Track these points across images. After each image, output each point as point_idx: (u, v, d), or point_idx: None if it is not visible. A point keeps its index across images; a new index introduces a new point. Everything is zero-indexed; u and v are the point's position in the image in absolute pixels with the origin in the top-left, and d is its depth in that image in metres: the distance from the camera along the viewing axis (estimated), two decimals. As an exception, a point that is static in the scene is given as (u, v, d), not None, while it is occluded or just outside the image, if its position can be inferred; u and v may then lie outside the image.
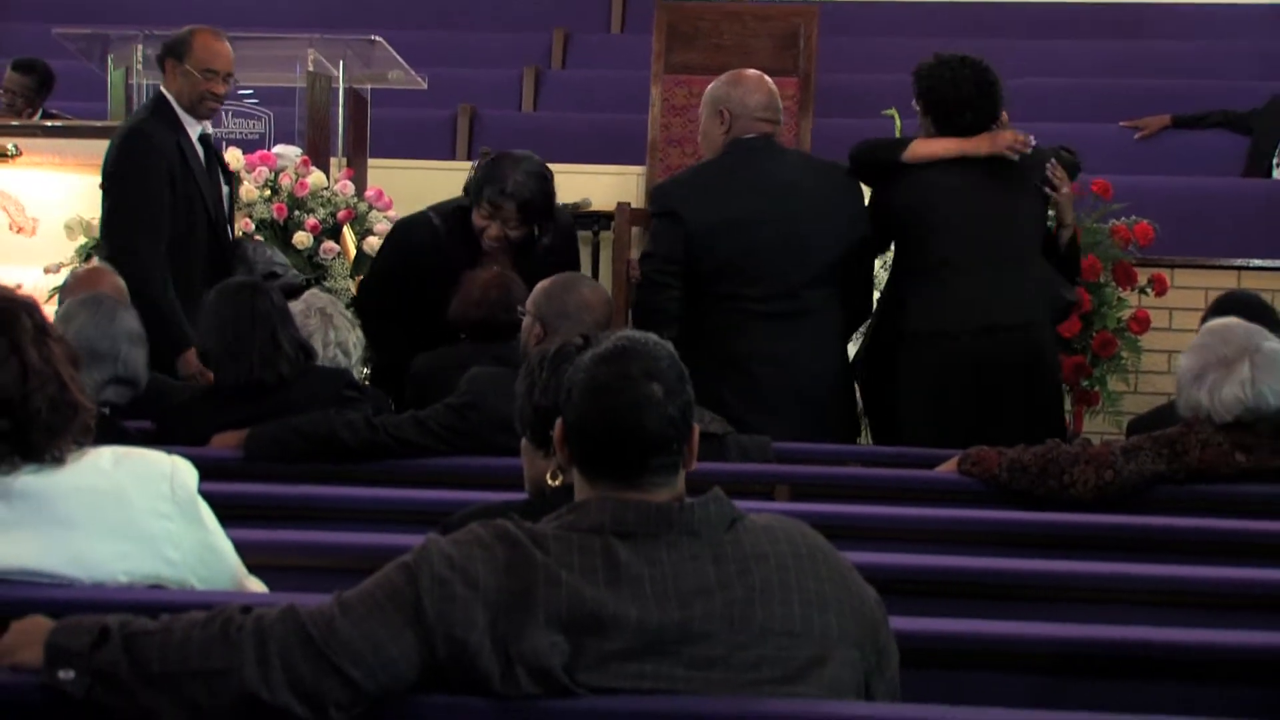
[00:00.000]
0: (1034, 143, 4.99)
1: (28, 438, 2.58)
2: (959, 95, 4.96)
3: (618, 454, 2.27)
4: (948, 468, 4.12)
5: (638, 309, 4.91)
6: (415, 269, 5.30)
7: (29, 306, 2.65)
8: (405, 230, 5.41)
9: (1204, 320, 4.71)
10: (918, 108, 5.08)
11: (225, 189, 5.73)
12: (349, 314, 4.78)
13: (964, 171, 4.95)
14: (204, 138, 5.59)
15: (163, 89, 5.60)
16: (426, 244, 5.28)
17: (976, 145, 4.96)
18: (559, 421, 2.33)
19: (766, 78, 5.07)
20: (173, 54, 5.53)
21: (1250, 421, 3.96)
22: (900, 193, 5.01)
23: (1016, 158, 4.94)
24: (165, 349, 4.89)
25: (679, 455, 2.29)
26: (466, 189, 5.28)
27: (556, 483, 2.58)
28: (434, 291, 5.10)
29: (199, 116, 5.58)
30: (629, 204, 7.47)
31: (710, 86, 5.06)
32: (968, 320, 4.88)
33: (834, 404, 5.04)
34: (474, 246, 5.27)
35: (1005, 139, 4.95)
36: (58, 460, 2.61)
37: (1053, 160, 5.02)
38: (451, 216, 5.32)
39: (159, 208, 5.35)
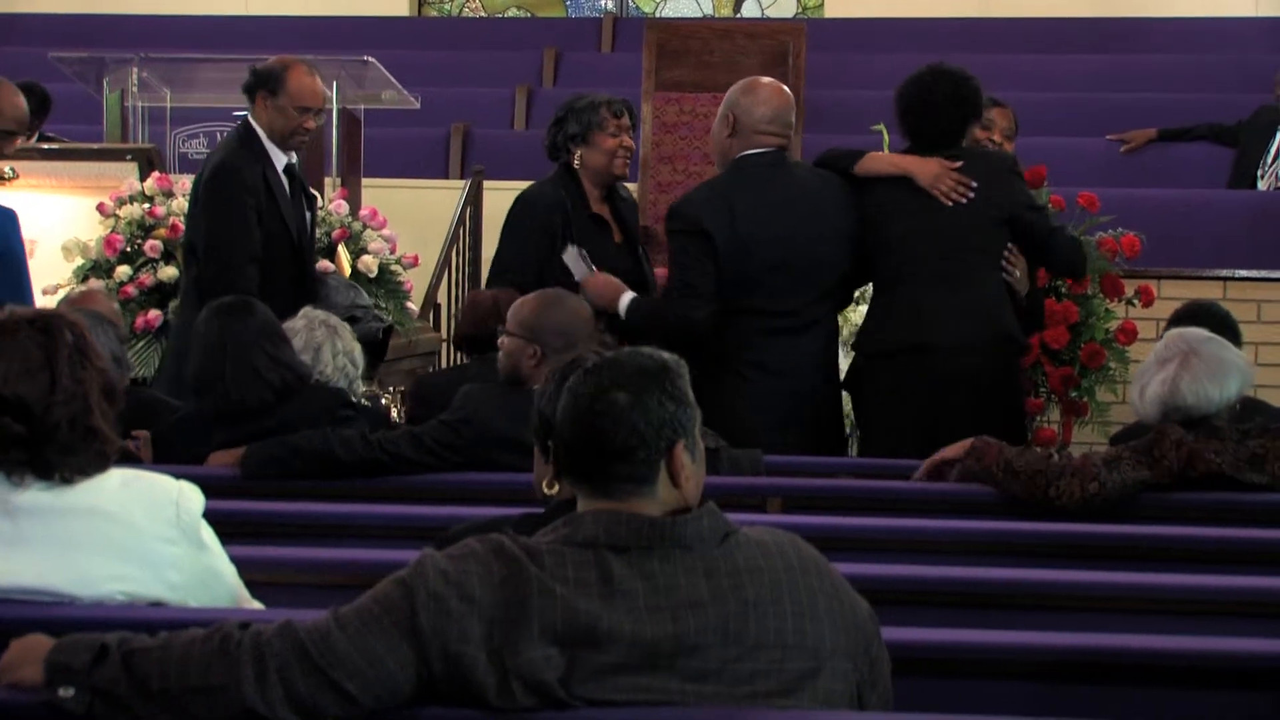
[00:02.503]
0: (972, 196, 4.94)
1: (42, 452, 2.61)
2: (927, 102, 4.96)
3: (582, 460, 2.30)
4: (953, 451, 4.15)
5: (676, 322, 4.90)
6: (549, 231, 5.42)
7: (75, 327, 2.70)
8: (535, 197, 5.49)
9: (1168, 329, 4.76)
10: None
11: (308, 215, 5.71)
12: (350, 328, 4.80)
13: (916, 189, 4.95)
14: (289, 168, 5.56)
15: (250, 119, 5.52)
16: (557, 203, 5.42)
17: (922, 170, 4.96)
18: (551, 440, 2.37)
19: (783, 89, 5.07)
20: (265, 87, 5.46)
21: (1199, 419, 4.01)
22: (860, 205, 5.04)
23: (949, 204, 4.93)
24: None
25: (647, 466, 2.29)
26: (571, 139, 5.44)
27: (553, 491, 2.61)
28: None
29: (287, 149, 5.54)
30: (621, 220, 7.49)
31: (730, 90, 5.09)
32: (905, 339, 4.89)
33: (828, 413, 5.12)
34: (585, 203, 5.51)
35: (946, 182, 4.94)
36: (67, 481, 2.64)
37: (1012, 250, 4.99)
38: (562, 178, 5.48)
39: (251, 241, 5.35)
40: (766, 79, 5.14)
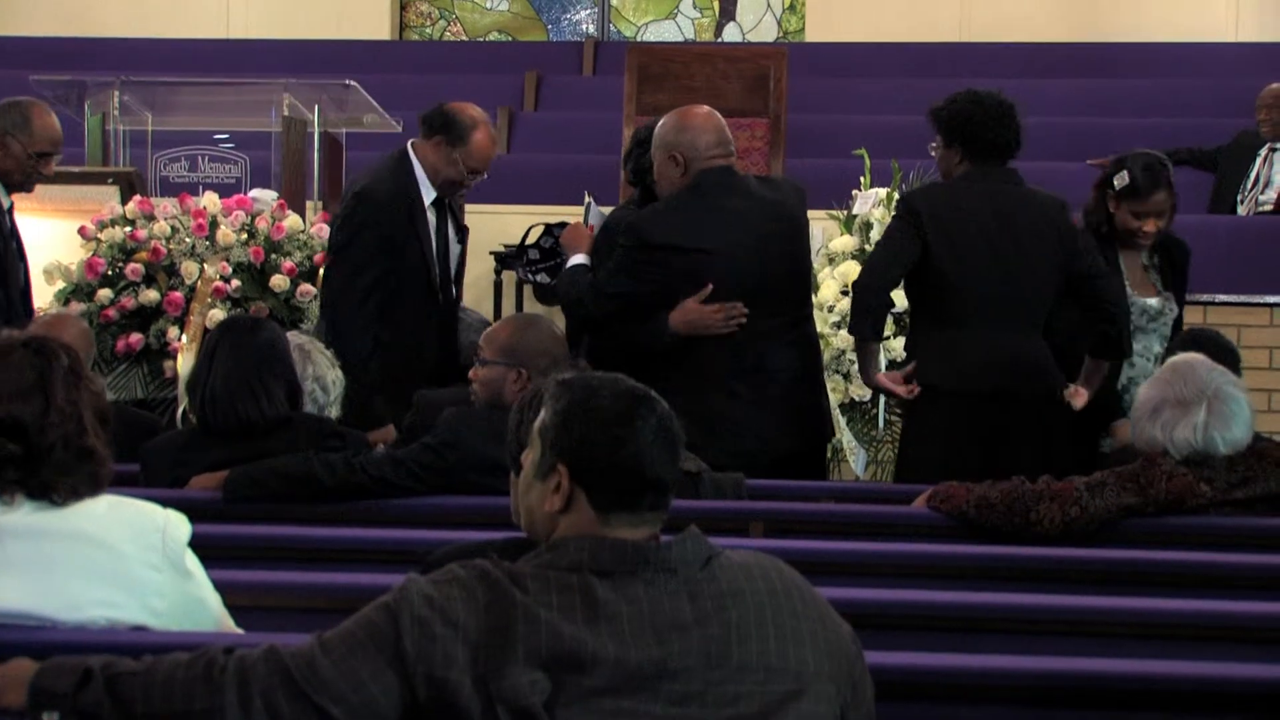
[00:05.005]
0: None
1: (38, 472, 2.63)
2: (986, 114, 4.92)
3: (654, 491, 2.32)
4: (919, 504, 4.14)
5: (580, 303, 5.03)
6: None
7: (70, 350, 2.73)
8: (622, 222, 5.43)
9: (1167, 355, 4.73)
10: (937, 145, 5.04)
11: (458, 248, 5.65)
12: (329, 354, 4.79)
13: (988, 227, 4.90)
14: (438, 200, 5.51)
15: (412, 148, 5.46)
16: None
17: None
18: (561, 464, 2.33)
19: (714, 113, 5.09)
20: (446, 133, 5.39)
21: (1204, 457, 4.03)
22: (935, 244, 4.90)
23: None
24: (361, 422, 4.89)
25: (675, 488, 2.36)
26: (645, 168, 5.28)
27: None
28: None
29: (439, 195, 5.49)
30: (602, 245, 7.50)
31: (659, 128, 5.07)
32: (974, 383, 4.83)
33: (814, 414, 5.15)
34: None
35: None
36: (58, 504, 2.64)
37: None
38: (645, 203, 5.39)
39: (376, 280, 5.32)
40: (693, 109, 5.13)
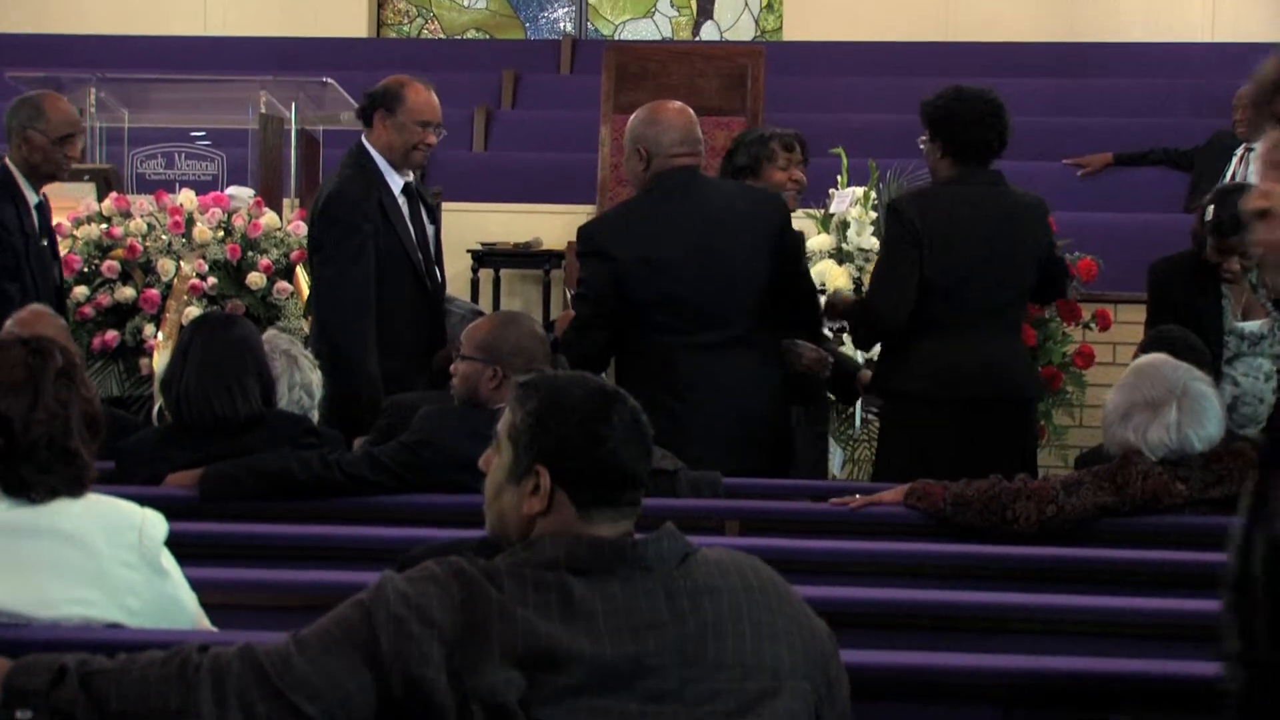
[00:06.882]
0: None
1: (17, 468, 2.63)
2: (971, 114, 4.92)
3: (632, 486, 2.33)
4: (893, 496, 4.12)
5: (570, 350, 4.86)
6: None
7: (67, 352, 2.73)
8: None
9: (1136, 356, 4.74)
10: (924, 140, 5.04)
11: (431, 229, 5.61)
12: (309, 355, 4.78)
13: (962, 230, 4.91)
14: (407, 188, 5.47)
15: (365, 142, 5.42)
16: None
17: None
18: (539, 466, 2.32)
19: (686, 109, 5.02)
20: (382, 106, 5.37)
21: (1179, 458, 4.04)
22: (925, 252, 4.90)
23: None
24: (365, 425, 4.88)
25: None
26: (739, 171, 5.39)
27: None
28: None
29: (408, 167, 5.46)
30: (579, 243, 7.50)
31: (630, 121, 5.02)
32: (943, 388, 4.84)
33: (770, 432, 4.98)
34: None
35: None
36: (35, 502, 2.64)
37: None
38: None
39: (364, 279, 5.29)
40: (666, 103, 5.08)
